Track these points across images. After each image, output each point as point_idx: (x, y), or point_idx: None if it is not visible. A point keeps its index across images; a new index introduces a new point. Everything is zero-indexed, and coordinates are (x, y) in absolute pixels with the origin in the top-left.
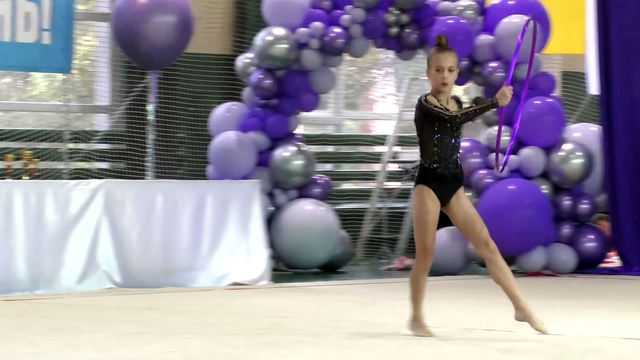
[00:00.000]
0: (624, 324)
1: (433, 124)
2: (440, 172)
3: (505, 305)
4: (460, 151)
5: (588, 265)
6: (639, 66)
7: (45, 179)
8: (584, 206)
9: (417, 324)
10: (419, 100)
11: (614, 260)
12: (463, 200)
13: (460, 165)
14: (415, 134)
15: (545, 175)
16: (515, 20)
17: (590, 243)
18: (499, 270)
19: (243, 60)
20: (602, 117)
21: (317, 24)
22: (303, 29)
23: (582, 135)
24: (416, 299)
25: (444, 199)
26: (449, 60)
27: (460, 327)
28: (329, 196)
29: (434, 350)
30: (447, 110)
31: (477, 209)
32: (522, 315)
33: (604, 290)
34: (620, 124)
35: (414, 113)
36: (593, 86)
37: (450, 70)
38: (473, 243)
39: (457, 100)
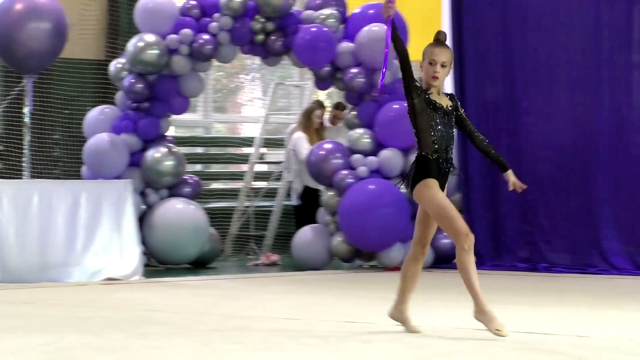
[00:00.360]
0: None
1: (425, 112)
2: (438, 161)
3: (365, 298)
4: (453, 142)
5: (444, 261)
6: (491, 74)
7: None
8: None
9: (485, 315)
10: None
11: None
12: (444, 193)
13: (452, 157)
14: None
15: (403, 175)
16: (375, 29)
17: (445, 240)
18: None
19: (116, 65)
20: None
21: (187, 31)
22: (173, 36)
23: None
24: (474, 286)
25: (441, 189)
26: (443, 55)
27: (323, 319)
28: (198, 195)
29: (298, 342)
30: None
31: (340, 208)
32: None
33: (459, 284)
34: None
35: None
36: (448, 90)
37: (442, 66)
38: (423, 240)
39: (452, 98)
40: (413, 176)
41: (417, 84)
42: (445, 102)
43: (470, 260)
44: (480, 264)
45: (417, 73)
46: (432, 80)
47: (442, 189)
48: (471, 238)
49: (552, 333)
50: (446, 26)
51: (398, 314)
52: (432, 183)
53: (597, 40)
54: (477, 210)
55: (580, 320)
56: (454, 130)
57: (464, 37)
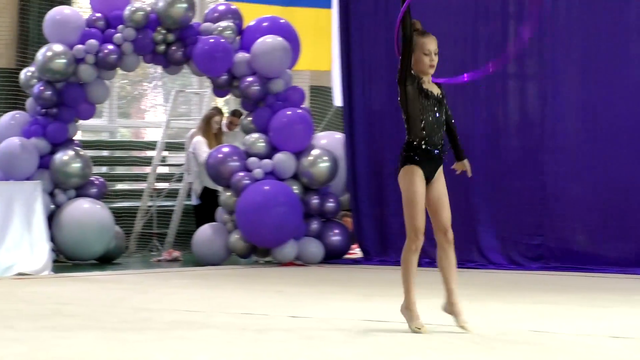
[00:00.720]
0: (364, 307)
1: (418, 100)
2: (426, 149)
3: (261, 291)
4: (444, 128)
5: (334, 256)
6: (376, 82)
7: None
8: (330, 204)
9: (410, 313)
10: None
11: (356, 251)
12: (441, 181)
13: (443, 142)
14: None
15: (296, 177)
16: (269, 40)
17: (335, 237)
18: (446, 260)
19: (26, 73)
20: (345, 126)
21: (92, 42)
22: (80, 46)
23: (328, 142)
24: (408, 281)
25: (429, 177)
26: (434, 43)
27: (222, 311)
28: (104, 195)
29: (199, 332)
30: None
31: (236, 208)
32: (451, 309)
33: (348, 278)
34: (360, 133)
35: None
36: (337, 99)
37: (435, 54)
38: (434, 226)
39: (440, 86)
40: (400, 160)
41: (412, 71)
42: (436, 90)
43: (413, 260)
44: (367, 260)
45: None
46: (429, 68)
47: (433, 174)
48: (420, 240)
49: (431, 323)
50: (335, 38)
51: (450, 307)
52: (415, 170)
53: (475, 52)
54: (364, 209)
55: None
56: (448, 111)
57: (352, 48)
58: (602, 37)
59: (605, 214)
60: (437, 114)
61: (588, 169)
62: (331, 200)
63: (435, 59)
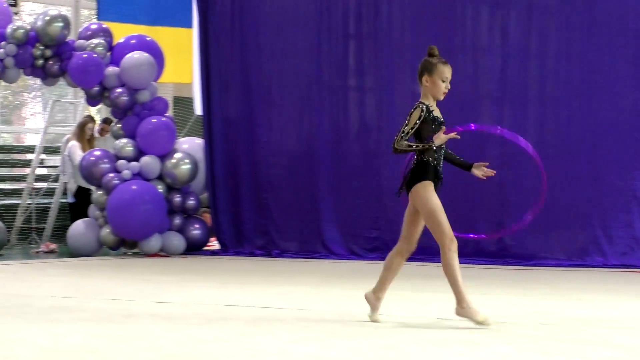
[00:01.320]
0: (221, 293)
1: (430, 126)
2: (435, 167)
3: (129, 280)
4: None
5: (195, 248)
6: (232, 93)
7: None
8: (191, 202)
9: (470, 310)
10: (417, 106)
11: (214, 244)
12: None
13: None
14: None
15: (160, 177)
16: (136, 56)
17: (196, 231)
18: (399, 266)
19: None
20: (205, 132)
21: None
22: None
23: (190, 146)
24: (459, 283)
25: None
26: (450, 72)
27: (94, 298)
28: None
29: (73, 316)
30: (404, 133)
31: (107, 205)
32: (377, 303)
33: (207, 268)
34: (218, 138)
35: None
36: (198, 108)
37: (449, 82)
38: (405, 234)
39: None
40: (411, 178)
41: (412, 121)
42: (439, 114)
43: (456, 260)
44: (225, 251)
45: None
46: (442, 95)
47: (437, 191)
48: (455, 243)
49: (281, 307)
50: (195, 54)
51: (374, 299)
52: (430, 186)
53: (319, 67)
54: (221, 206)
55: (307, 296)
56: None
57: (211, 62)
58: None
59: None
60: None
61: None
62: (192, 198)
63: (449, 86)
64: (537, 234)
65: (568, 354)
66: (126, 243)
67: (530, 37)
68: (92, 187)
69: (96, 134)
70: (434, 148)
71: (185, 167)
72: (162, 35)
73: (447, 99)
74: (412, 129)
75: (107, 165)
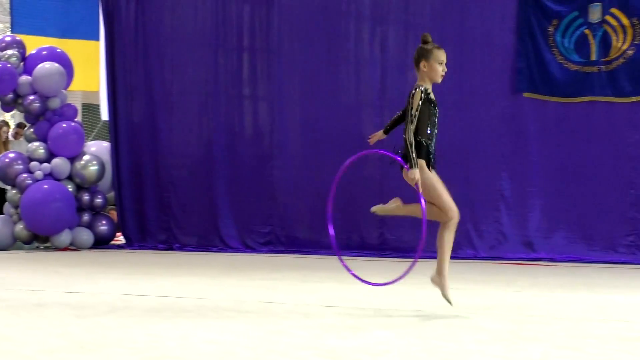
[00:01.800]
0: (127, 283)
1: (428, 107)
2: (428, 147)
3: (41, 271)
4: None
5: (102, 243)
6: (137, 100)
7: None
8: (99, 200)
9: (441, 280)
10: (413, 92)
11: (120, 239)
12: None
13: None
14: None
15: (70, 177)
16: (47, 66)
17: (103, 227)
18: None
19: None
20: (111, 136)
21: None
22: None
23: (97, 149)
24: (446, 255)
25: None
26: (445, 56)
27: (9, 288)
28: None
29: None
30: (413, 117)
31: (21, 203)
32: (438, 280)
33: (113, 261)
34: (123, 142)
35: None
36: (105, 114)
37: (445, 64)
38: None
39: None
40: (405, 157)
41: (415, 102)
42: (434, 96)
43: (450, 236)
44: (129, 245)
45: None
46: (440, 78)
47: (432, 168)
48: (458, 216)
49: (181, 296)
50: (102, 64)
51: (439, 280)
52: (424, 164)
53: (216, 77)
54: (127, 204)
55: (205, 286)
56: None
57: (116, 72)
58: (320, 67)
59: (322, 208)
60: (437, 118)
61: (307, 172)
62: (99, 197)
63: (445, 69)
64: (415, 230)
65: (441, 338)
66: (39, 238)
67: (407, 50)
68: (7, 187)
69: (11, 138)
70: (428, 132)
71: (93, 168)
72: (72, 47)
73: (332, 106)
74: (417, 111)
75: (21, 167)
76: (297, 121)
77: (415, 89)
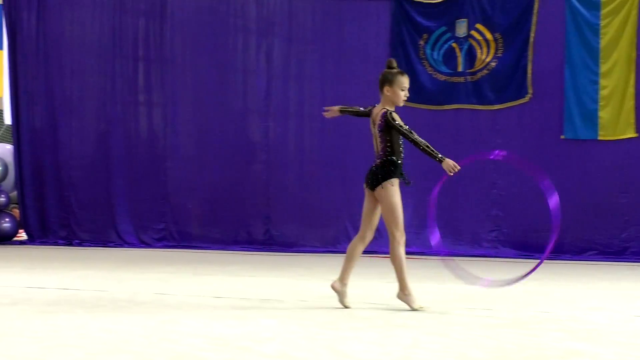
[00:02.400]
0: (28, 277)
1: (395, 131)
2: (400, 165)
3: None
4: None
5: (5, 239)
6: (38, 105)
7: None
8: (2, 199)
9: (410, 297)
10: (385, 114)
11: (23, 235)
12: None
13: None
14: None
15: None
16: None
17: (6, 224)
18: (361, 249)
19: None
20: (14, 139)
21: None
22: None
23: (1, 151)
24: (404, 272)
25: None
26: (408, 81)
27: None
28: None
29: None
30: (404, 126)
31: None
32: (340, 287)
33: (17, 256)
34: (26, 144)
35: (377, 123)
36: (8, 118)
37: (407, 90)
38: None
39: None
40: (381, 174)
41: (398, 119)
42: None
43: (403, 253)
44: (31, 241)
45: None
46: (402, 102)
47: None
48: (404, 236)
49: (80, 289)
50: (6, 72)
51: (340, 287)
52: (396, 183)
53: (113, 84)
54: (29, 202)
55: (103, 279)
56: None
57: (19, 79)
58: (210, 76)
59: (216, 205)
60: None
61: (199, 172)
62: (3, 196)
63: (407, 94)
64: (298, 226)
65: (321, 326)
66: None
67: (290, 61)
68: None
69: None
70: (401, 151)
71: None
72: None
73: (221, 112)
74: (404, 124)
75: None
76: (189, 126)
77: (390, 113)
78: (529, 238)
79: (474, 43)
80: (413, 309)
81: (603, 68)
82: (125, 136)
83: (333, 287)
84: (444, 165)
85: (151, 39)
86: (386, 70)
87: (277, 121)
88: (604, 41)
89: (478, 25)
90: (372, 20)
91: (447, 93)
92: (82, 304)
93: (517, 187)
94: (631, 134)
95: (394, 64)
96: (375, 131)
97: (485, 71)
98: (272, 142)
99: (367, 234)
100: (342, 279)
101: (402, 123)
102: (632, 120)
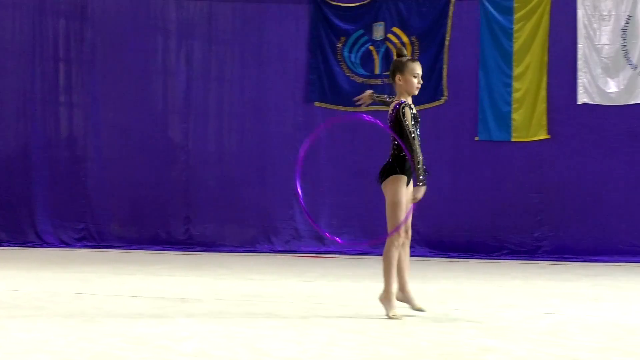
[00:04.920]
0: None
1: (412, 121)
2: (408, 162)
3: None
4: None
5: None
6: None
7: None
8: None
9: (389, 302)
10: (398, 107)
11: None
12: (409, 189)
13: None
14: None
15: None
16: None
17: None
18: (405, 254)
19: None
20: None
21: None
22: None
23: None
24: (391, 274)
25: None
26: (420, 68)
27: None
28: None
29: None
30: (412, 134)
31: None
32: (401, 296)
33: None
34: None
35: (389, 116)
36: None
37: (421, 77)
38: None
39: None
40: (389, 169)
41: (408, 119)
42: (415, 111)
43: (396, 254)
44: None
45: None
46: (416, 90)
47: (409, 182)
48: (401, 238)
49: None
50: None
51: (403, 295)
52: (403, 179)
53: (33, 85)
54: None
55: (22, 279)
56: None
57: None
58: (131, 77)
59: (136, 205)
60: (419, 131)
61: (119, 173)
62: None
63: (421, 81)
64: (218, 226)
65: (240, 324)
66: None
67: (211, 62)
68: None
69: None
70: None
71: None
72: None
73: (142, 113)
74: (412, 125)
75: None
76: (109, 126)
77: (402, 107)
78: (443, 237)
79: (391, 46)
80: (389, 316)
81: (516, 71)
82: (45, 136)
83: (398, 299)
84: (419, 192)
85: (72, 39)
86: (396, 59)
87: (197, 122)
88: (517, 45)
89: (395, 29)
90: (291, 22)
91: None
92: (0, 304)
93: (432, 187)
94: (543, 135)
95: (404, 52)
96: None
97: None
98: (192, 143)
99: (400, 238)
100: (401, 288)
101: (410, 123)
102: (545, 122)
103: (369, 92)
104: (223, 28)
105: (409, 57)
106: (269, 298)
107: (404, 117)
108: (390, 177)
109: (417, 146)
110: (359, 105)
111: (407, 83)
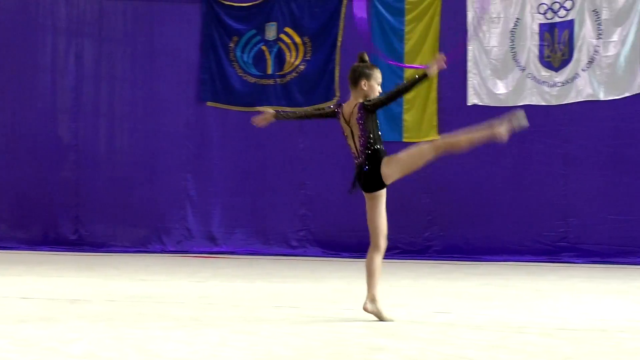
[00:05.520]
0: None
1: (374, 116)
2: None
3: None
4: None
5: None
6: None
7: None
8: None
9: (373, 304)
10: (362, 104)
11: None
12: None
13: None
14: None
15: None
16: None
17: None
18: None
19: None
20: None
21: None
22: None
23: None
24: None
25: None
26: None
27: None
28: None
29: None
30: (381, 95)
31: None
32: (370, 306)
33: None
34: None
35: (354, 116)
36: None
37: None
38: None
39: None
40: (374, 165)
41: (376, 94)
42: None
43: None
44: None
45: None
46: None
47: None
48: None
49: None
50: None
51: (372, 307)
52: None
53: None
54: None
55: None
56: None
57: None
58: (18, 75)
59: (24, 205)
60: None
61: (7, 172)
62: None
63: (381, 89)
64: (109, 226)
65: (130, 325)
66: None
67: (101, 61)
68: None
69: None
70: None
71: None
72: None
73: (29, 111)
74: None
75: None
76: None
77: (364, 101)
78: (335, 237)
79: (283, 46)
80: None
81: (407, 73)
82: None
83: (366, 310)
84: (433, 70)
85: None
86: (361, 64)
87: (87, 121)
88: (408, 46)
89: (287, 29)
90: (183, 22)
91: (257, 95)
92: None
93: (325, 187)
94: (434, 136)
95: (366, 57)
96: (352, 128)
97: (294, 74)
98: (82, 142)
99: (380, 241)
100: (371, 297)
101: (378, 94)
102: (435, 122)
103: (270, 112)
104: (114, 26)
105: (373, 65)
106: (160, 299)
107: (371, 101)
108: (383, 161)
109: (396, 89)
110: (258, 123)
111: (371, 89)
